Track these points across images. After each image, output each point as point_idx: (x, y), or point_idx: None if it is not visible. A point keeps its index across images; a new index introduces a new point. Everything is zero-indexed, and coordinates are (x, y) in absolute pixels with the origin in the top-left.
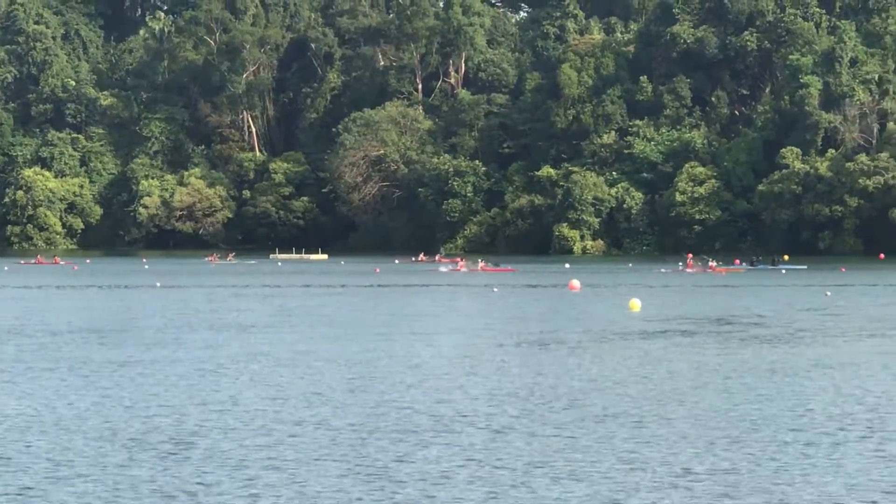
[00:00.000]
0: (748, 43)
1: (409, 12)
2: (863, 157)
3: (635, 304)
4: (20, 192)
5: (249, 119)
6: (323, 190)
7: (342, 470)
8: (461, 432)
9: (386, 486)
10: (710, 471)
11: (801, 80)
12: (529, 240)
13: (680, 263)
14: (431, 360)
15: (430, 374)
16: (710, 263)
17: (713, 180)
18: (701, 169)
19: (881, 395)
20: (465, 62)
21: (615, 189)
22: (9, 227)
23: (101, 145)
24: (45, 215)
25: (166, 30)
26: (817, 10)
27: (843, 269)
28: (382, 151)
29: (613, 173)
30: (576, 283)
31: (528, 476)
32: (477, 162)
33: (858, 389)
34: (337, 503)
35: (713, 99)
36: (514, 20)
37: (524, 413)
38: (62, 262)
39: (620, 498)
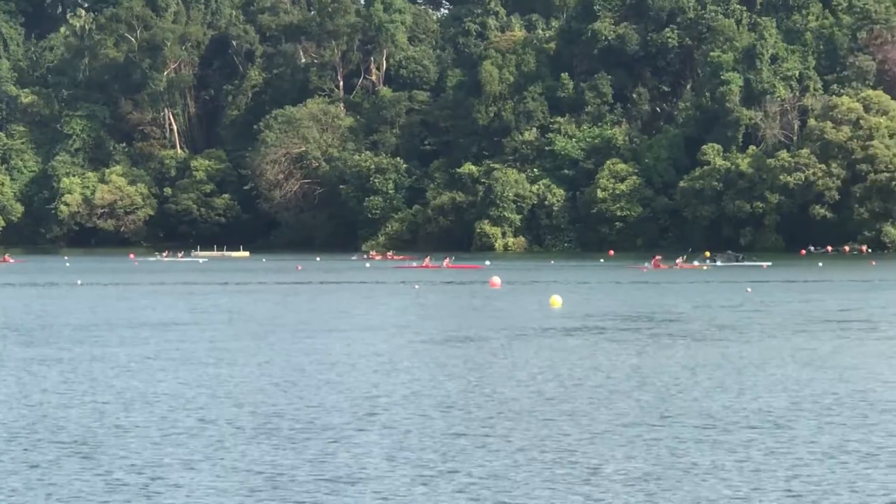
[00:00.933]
0: (669, 40)
1: (330, 9)
2: (784, 154)
3: (556, 300)
4: None
5: (171, 116)
6: (244, 187)
7: (246, 468)
8: (376, 430)
9: (294, 486)
10: (622, 468)
11: (722, 77)
12: (451, 237)
13: (646, 263)
14: (349, 358)
15: (347, 371)
16: (677, 261)
17: (634, 177)
18: (622, 166)
19: (798, 390)
20: (387, 59)
21: (536, 186)
22: None
23: (22, 143)
24: None
25: (87, 27)
26: (738, 6)
27: (765, 266)
28: (304, 149)
29: (535, 170)
30: (497, 280)
31: (443, 475)
32: (398, 159)
33: (775, 385)
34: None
35: (634, 96)
36: (435, 17)
37: (442, 410)
38: (11, 260)
39: (530, 495)
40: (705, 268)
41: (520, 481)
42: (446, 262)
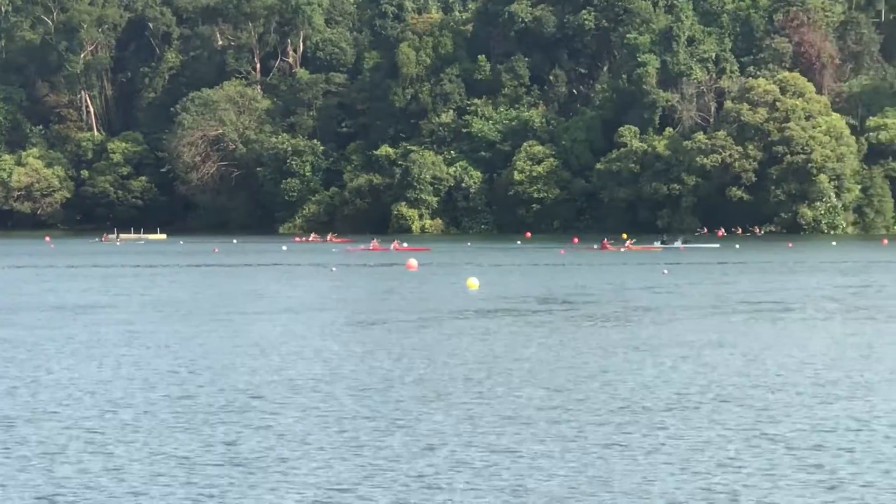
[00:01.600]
0: (586, 22)
1: None
2: (700, 136)
3: (473, 283)
4: None
5: (87, 99)
6: (161, 170)
7: (158, 452)
8: (290, 413)
9: (206, 469)
10: (535, 450)
11: (639, 59)
12: (368, 219)
13: (595, 245)
14: (264, 341)
15: (261, 354)
16: (627, 243)
17: (551, 159)
18: (539, 148)
19: (710, 373)
20: (304, 41)
21: (453, 168)
22: None
23: None
24: None
25: (3, 9)
26: None
27: (682, 248)
28: (221, 131)
29: (452, 152)
30: (413, 262)
31: (357, 457)
32: (315, 141)
33: (685, 368)
34: (145, 484)
35: (551, 78)
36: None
37: (356, 392)
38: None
39: (445, 478)
40: (658, 249)
41: (435, 464)
42: (394, 244)
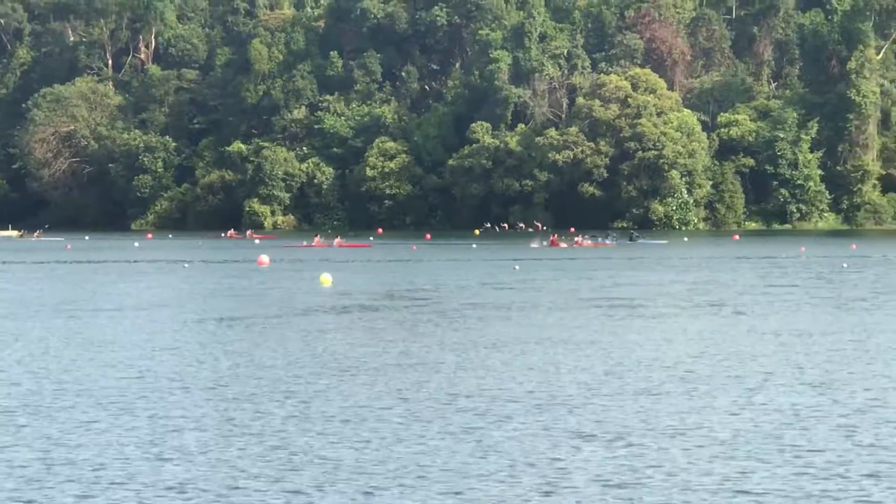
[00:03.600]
0: (438, 18)
1: None
2: (552, 132)
3: (326, 278)
4: None
5: None
6: (13, 166)
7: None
8: (138, 411)
9: (46, 469)
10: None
11: (491, 55)
12: (220, 215)
13: (544, 242)
14: (114, 337)
15: (110, 351)
16: (576, 239)
17: (403, 155)
18: (391, 144)
19: (553, 370)
20: (156, 37)
21: (306, 164)
22: None
23: None
24: None
25: None
26: None
27: (534, 245)
28: (73, 127)
29: (304, 148)
30: (265, 258)
31: (203, 455)
32: (167, 138)
33: (529, 364)
34: None
35: (403, 74)
36: None
37: (206, 389)
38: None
39: (292, 476)
40: (610, 245)
41: (283, 462)
42: (337, 241)
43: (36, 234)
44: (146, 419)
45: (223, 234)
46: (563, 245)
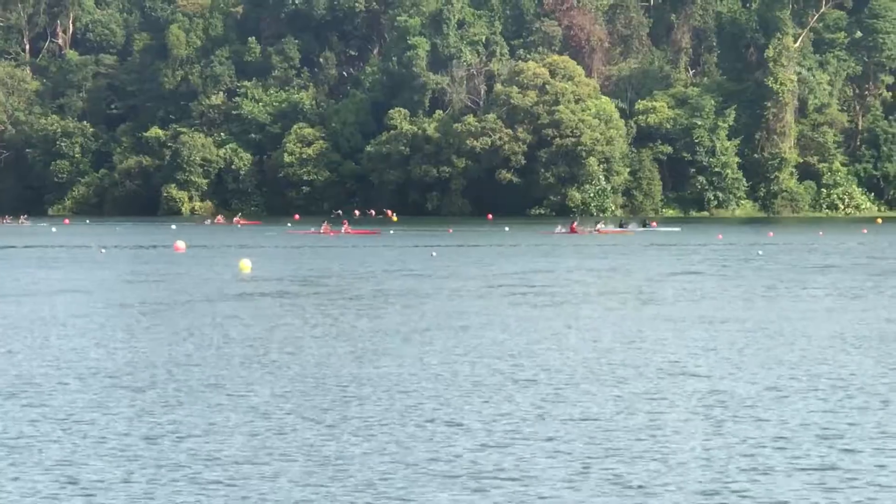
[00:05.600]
0: (356, 4)
1: None
2: (470, 119)
3: (245, 264)
4: None
5: None
6: None
7: None
8: (47, 399)
9: None
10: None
11: (409, 42)
12: (138, 201)
13: (563, 228)
14: (23, 323)
15: (20, 337)
16: (597, 226)
17: (321, 141)
18: (309, 130)
19: (478, 354)
20: (74, 22)
21: (223, 150)
22: None
23: None
24: None
25: None
26: None
27: (451, 230)
28: None
29: (222, 134)
30: (181, 244)
31: (105, 443)
32: (85, 123)
33: (456, 349)
34: None
35: (321, 60)
36: None
37: (118, 376)
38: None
39: (203, 464)
40: (631, 233)
41: (196, 450)
42: (345, 227)
43: (21, 218)
44: (50, 406)
45: (208, 222)
46: (587, 231)
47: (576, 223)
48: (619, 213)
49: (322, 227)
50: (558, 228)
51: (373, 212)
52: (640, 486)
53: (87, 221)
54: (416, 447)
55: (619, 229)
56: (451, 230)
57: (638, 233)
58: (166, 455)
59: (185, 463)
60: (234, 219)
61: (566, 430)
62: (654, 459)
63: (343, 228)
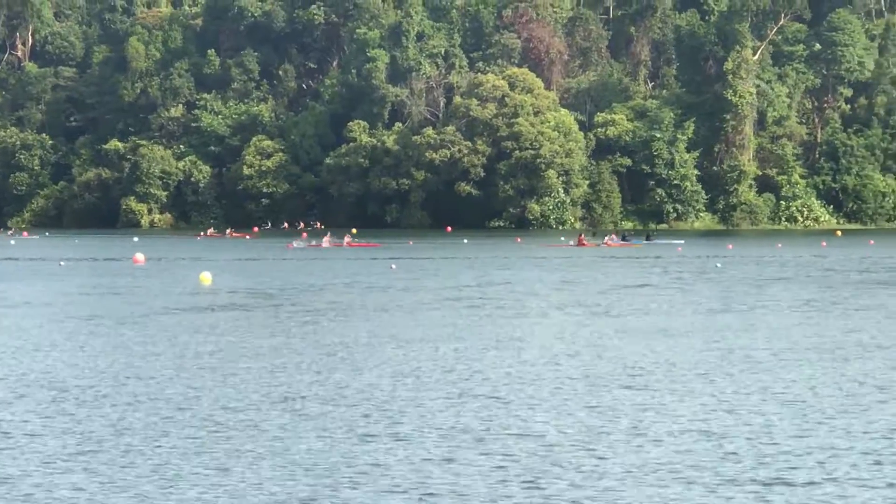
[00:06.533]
0: (316, 16)
1: None
2: (429, 131)
3: (206, 277)
4: None
5: None
6: None
7: None
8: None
9: None
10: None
11: (369, 54)
12: (97, 213)
13: (571, 241)
14: None
15: None
16: (605, 239)
17: (280, 154)
18: (268, 142)
19: (434, 366)
20: (33, 35)
21: (183, 163)
22: None
23: None
24: None
25: None
26: None
27: (411, 243)
28: None
29: (181, 146)
30: (140, 256)
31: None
32: (44, 135)
33: (413, 361)
34: None
35: (281, 72)
36: None
37: (68, 389)
38: None
39: (146, 483)
40: (639, 246)
41: (139, 463)
42: (346, 240)
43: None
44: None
45: (200, 235)
46: (592, 244)
47: (583, 236)
48: (577, 225)
49: (324, 240)
50: (566, 241)
51: (319, 224)
52: (573, 502)
53: (47, 234)
54: (357, 459)
55: (623, 243)
56: (411, 242)
57: (645, 245)
58: (111, 467)
59: (128, 475)
60: (227, 231)
61: (504, 443)
62: (591, 475)
63: (345, 241)
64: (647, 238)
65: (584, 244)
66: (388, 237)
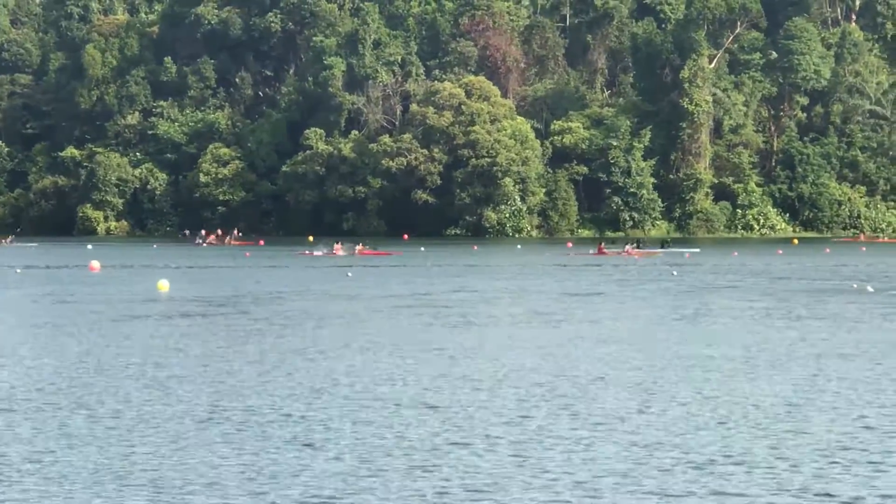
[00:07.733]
0: (272, 24)
1: None
2: (386, 139)
3: (163, 284)
4: None
5: None
6: None
7: None
8: None
9: None
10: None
11: (325, 62)
12: (54, 221)
13: (591, 250)
14: None
15: None
16: (626, 247)
17: (237, 161)
18: (225, 150)
19: (389, 374)
20: None
21: (139, 170)
22: None
23: None
24: None
25: None
26: None
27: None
28: None
29: (138, 154)
30: (95, 263)
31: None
32: (0, 142)
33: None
34: None
35: (237, 80)
36: (38, 0)
37: (28, 397)
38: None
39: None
40: (659, 254)
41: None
42: (358, 248)
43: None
44: None
45: (199, 242)
46: (615, 253)
47: (603, 244)
48: (534, 233)
49: (333, 248)
50: (591, 250)
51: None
52: None
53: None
54: (286, 467)
55: (643, 250)
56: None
57: (663, 253)
58: (61, 474)
59: (77, 480)
60: (227, 239)
61: (434, 454)
62: (530, 485)
63: (357, 249)
64: (662, 246)
65: (603, 252)
66: (399, 244)
